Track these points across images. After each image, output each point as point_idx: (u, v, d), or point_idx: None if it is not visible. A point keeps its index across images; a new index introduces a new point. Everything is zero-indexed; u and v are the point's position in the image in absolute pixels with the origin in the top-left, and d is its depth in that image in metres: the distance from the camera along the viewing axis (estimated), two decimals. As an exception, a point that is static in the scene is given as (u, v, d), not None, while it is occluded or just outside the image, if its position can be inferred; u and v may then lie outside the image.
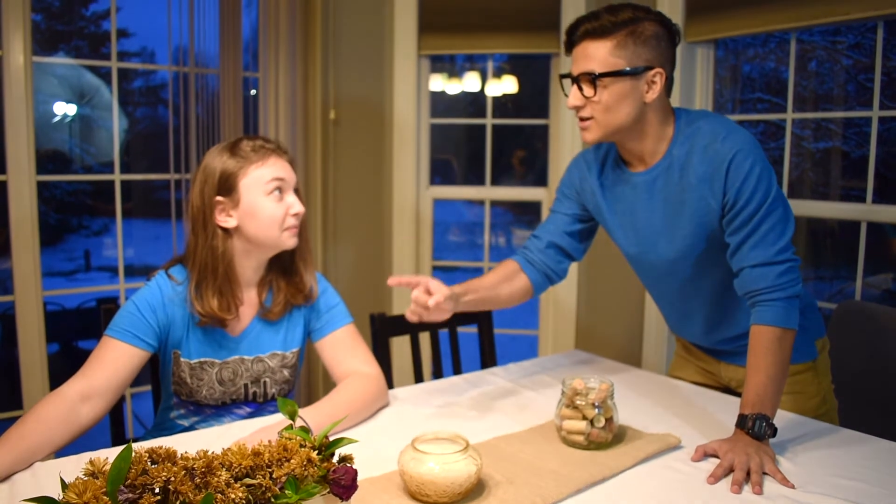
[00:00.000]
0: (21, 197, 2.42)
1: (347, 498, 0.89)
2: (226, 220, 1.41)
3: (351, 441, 0.91)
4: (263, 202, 1.40)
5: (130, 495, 0.74)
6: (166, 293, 1.41)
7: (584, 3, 2.74)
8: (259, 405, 1.51)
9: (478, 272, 3.28)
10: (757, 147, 1.33)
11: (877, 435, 1.33)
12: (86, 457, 1.15)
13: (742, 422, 1.24)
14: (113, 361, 1.32)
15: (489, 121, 3.12)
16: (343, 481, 0.87)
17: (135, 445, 0.77)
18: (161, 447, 0.80)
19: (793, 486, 1.12)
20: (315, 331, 1.56)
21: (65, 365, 4.74)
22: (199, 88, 2.76)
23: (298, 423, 0.94)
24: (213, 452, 0.81)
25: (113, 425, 1.53)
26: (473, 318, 2.00)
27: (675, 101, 2.51)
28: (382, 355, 1.78)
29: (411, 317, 1.36)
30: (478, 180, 3.33)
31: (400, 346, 2.79)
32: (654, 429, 1.35)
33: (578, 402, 1.25)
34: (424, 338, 1.94)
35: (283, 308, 1.49)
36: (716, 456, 1.21)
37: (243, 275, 1.46)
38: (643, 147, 1.42)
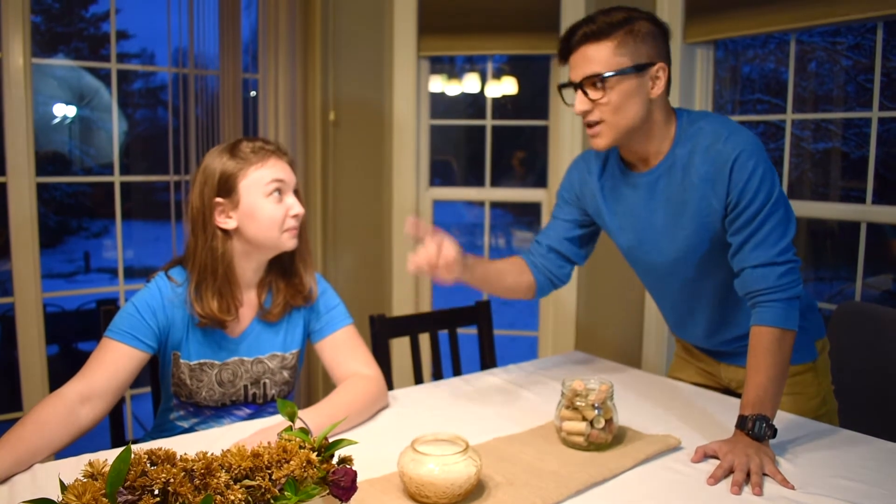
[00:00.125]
0: (21, 198, 2.42)
1: (347, 499, 0.89)
2: (225, 222, 1.41)
3: (350, 442, 0.91)
4: (263, 203, 1.40)
5: (130, 497, 0.74)
6: (166, 295, 1.41)
7: (583, 4, 2.74)
8: (259, 406, 1.51)
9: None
10: (760, 147, 1.33)
11: (877, 436, 1.33)
12: (85, 458, 1.14)
13: (742, 423, 1.24)
14: (113, 363, 1.32)
15: (489, 122, 3.12)
16: (342, 483, 0.87)
17: (134, 447, 0.77)
18: (160, 449, 0.80)
19: (793, 487, 1.12)
20: (315, 332, 1.55)
21: (64, 366, 4.74)
22: (199, 90, 2.76)
23: (298, 424, 0.94)
24: (212, 454, 0.81)
25: (112, 427, 1.53)
26: (473, 318, 2.00)
27: (675, 101, 2.50)
28: (382, 356, 1.78)
29: (410, 266, 1.33)
30: (477, 181, 3.33)
31: (400, 348, 2.79)
32: (654, 430, 1.35)
33: (578, 404, 1.25)
34: (424, 339, 1.94)
35: (282, 309, 1.49)
36: (716, 457, 1.21)
37: (243, 276, 1.46)
38: (648, 147, 1.42)
